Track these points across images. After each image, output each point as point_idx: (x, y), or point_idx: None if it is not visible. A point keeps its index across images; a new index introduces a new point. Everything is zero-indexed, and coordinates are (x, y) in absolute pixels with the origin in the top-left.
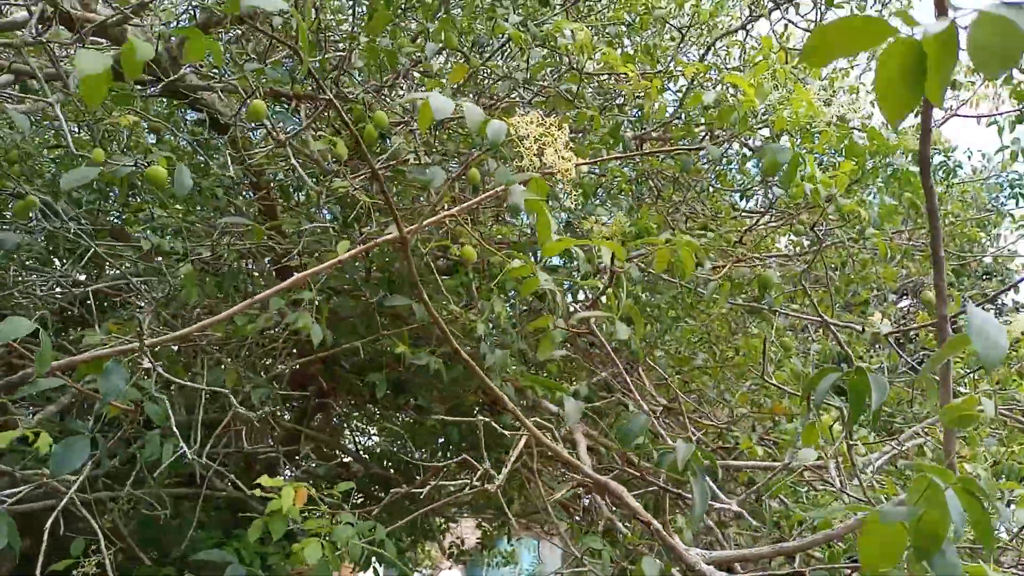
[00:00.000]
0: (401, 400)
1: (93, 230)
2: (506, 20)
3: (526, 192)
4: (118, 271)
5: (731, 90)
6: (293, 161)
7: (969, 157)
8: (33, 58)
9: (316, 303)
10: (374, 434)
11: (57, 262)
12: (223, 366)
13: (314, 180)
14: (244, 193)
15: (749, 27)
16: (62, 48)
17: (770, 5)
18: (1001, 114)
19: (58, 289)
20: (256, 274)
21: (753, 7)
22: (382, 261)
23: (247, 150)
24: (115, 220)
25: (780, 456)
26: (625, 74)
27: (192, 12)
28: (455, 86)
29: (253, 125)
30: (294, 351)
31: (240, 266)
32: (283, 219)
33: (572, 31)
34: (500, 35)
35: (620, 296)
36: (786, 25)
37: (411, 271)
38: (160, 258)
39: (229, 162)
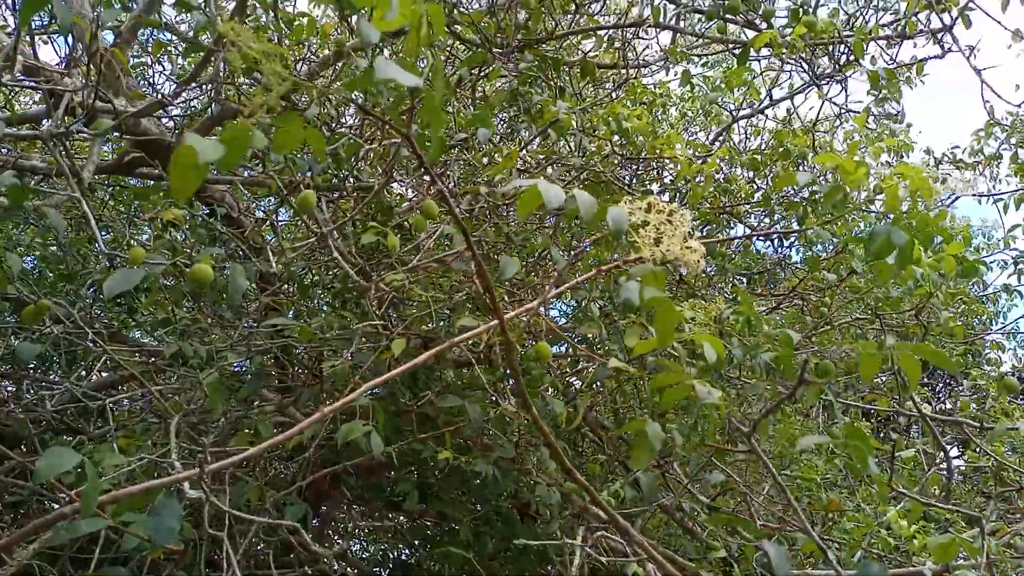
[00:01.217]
0: (424, 506)
1: (94, 334)
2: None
3: (646, 287)
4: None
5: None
6: (336, 254)
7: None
8: (35, 152)
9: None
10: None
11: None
12: (247, 481)
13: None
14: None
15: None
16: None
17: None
18: (1007, 193)
19: (63, 399)
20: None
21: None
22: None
23: (256, 245)
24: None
25: (849, 561)
26: (674, 157)
27: (210, 103)
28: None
29: (266, 220)
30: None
31: (261, 371)
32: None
33: (628, 115)
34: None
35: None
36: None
37: (515, 370)
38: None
39: (272, 257)
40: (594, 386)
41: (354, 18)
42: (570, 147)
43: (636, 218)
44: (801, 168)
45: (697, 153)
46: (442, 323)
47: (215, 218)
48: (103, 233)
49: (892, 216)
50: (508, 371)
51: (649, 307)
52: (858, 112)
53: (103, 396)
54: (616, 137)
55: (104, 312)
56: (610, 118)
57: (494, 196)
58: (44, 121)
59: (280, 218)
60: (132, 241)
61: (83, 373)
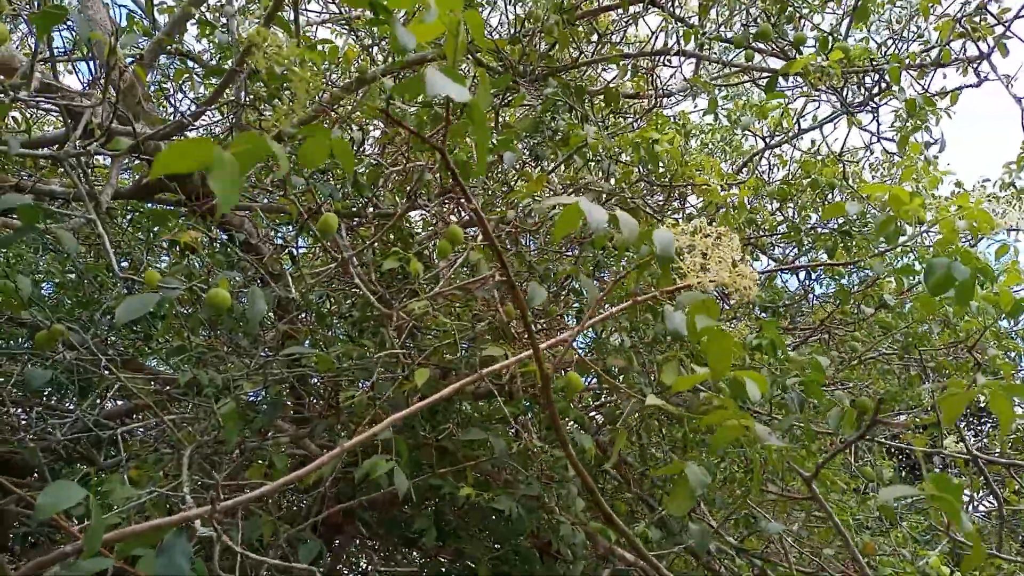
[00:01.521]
0: (442, 543)
1: (108, 361)
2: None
3: (698, 316)
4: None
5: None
6: (357, 280)
7: None
8: (55, 178)
9: (393, 443)
10: None
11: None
12: (260, 515)
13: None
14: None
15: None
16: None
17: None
18: None
19: (71, 426)
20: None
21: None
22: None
23: (274, 272)
24: (125, 350)
25: None
26: (705, 184)
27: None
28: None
29: (284, 246)
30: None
31: (278, 400)
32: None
33: (660, 139)
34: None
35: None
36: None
37: (551, 404)
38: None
39: (292, 282)
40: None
41: (376, 47)
42: (595, 174)
43: (682, 242)
44: (828, 199)
45: (725, 182)
46: (462, 354)
47: (234, 244)
48: (121, 260)
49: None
50: (541, 405)
51: (699, 338)
52: (892, 140)
53: (116, 425)
54: (642, 163)
55: (120, 339)
56: (639, 142)
57: (523, 222)
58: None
59: (300, 246)
60: (151, 267)
61: (97, 401)
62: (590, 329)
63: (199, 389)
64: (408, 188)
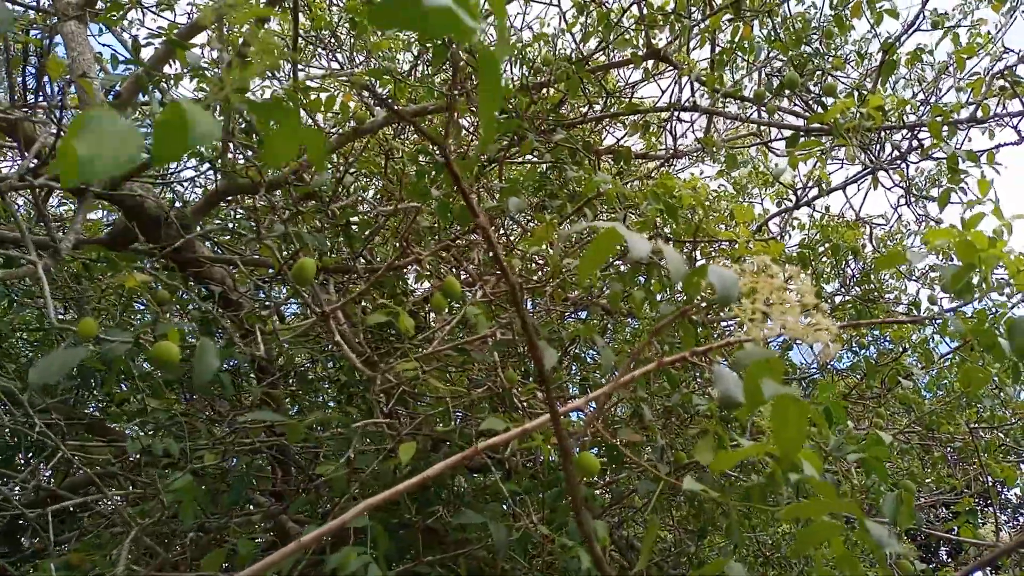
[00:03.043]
0: None
1: (67, 423)
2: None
3: (763, 379)
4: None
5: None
6: (338, 338)
7: None
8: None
9: (369, 529)
10: None
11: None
12: None
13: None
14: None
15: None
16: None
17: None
18: None
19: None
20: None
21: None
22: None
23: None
24: (95, 411)
25: None
26: (731, 240)
27: (214, 179)
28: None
29: (268, 303)
30: None
31: (247, 474)
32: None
33: (683, 186)
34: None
35: None
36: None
37: (573, 488)
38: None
39: (261, 340)
40: (628, 501)
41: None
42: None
43: (741, 284)
44: (848, 265)
45: (752, 240)
46: (456, 424)
47: (212, 299)
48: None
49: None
50: (565, 485)
51: (758, 405)
52: (931, 199)
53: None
54: (661, 215)
55: (89, 399)
56: (659, 192)
57: (528, 278)
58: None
59: (291, 304)
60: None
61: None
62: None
63: (154, 460)
64: (400, 235)
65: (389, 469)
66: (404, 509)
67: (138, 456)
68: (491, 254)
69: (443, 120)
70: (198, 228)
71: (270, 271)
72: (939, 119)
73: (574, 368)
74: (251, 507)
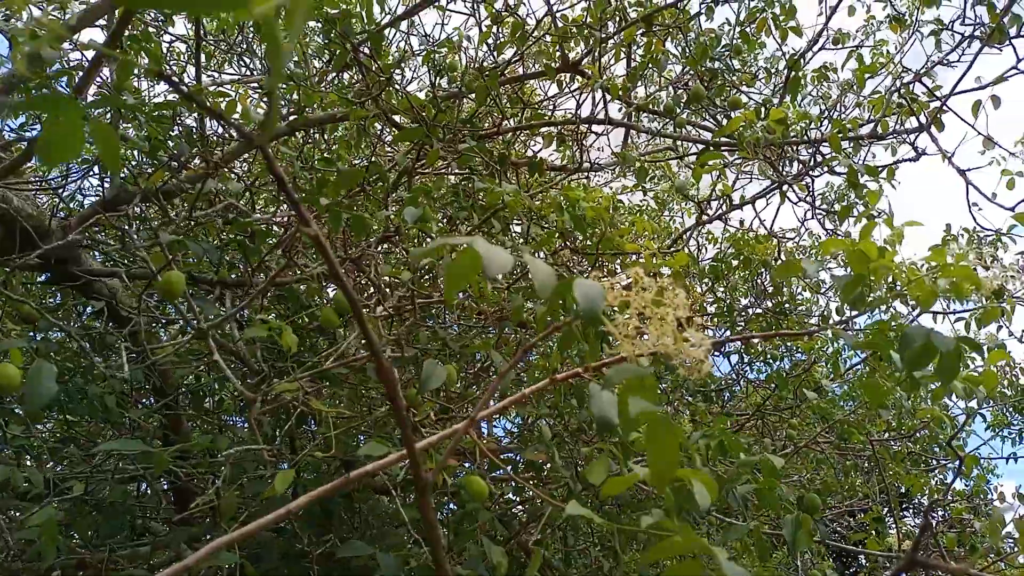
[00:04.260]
0: None
1: None
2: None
3: (632, 398)
4: None
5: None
6: (216, 356)
7: None
8: None
9: (239, 565)
10: None
11: None
12: None
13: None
14: (142, 401)
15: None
16: None
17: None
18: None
19: None
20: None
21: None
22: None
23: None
24: None
25: None
26: (637, 252)
27: (101, 188)
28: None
29: (162, 318)
30: None
31: (126, 502)
32: (192, 435)
33: (586, 197)
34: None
35: None
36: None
37: (429, 517)
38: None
39: (125, 360)
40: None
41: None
42: (514, 239)
43: (611, 298)
44: (760, 279)
45: (659, 251)
46: (355, 445)
47: (101, 316)
48: None
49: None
50: (425, 524)
51: (633, 427)
52: (830, 211)
53: None
54: (566, 228)
55: None
56: (563, 200)
57: (421, 287)
58: None
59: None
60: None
61: None
62: (516, 416)
63: (22, 492)
64: (282, 245)
65: (264, 496)
66: (300, 536)
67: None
68: (328, 267)
69: (350, 127)
70: (81, 239)
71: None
72: (839, 133)
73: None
74: (147, 536)
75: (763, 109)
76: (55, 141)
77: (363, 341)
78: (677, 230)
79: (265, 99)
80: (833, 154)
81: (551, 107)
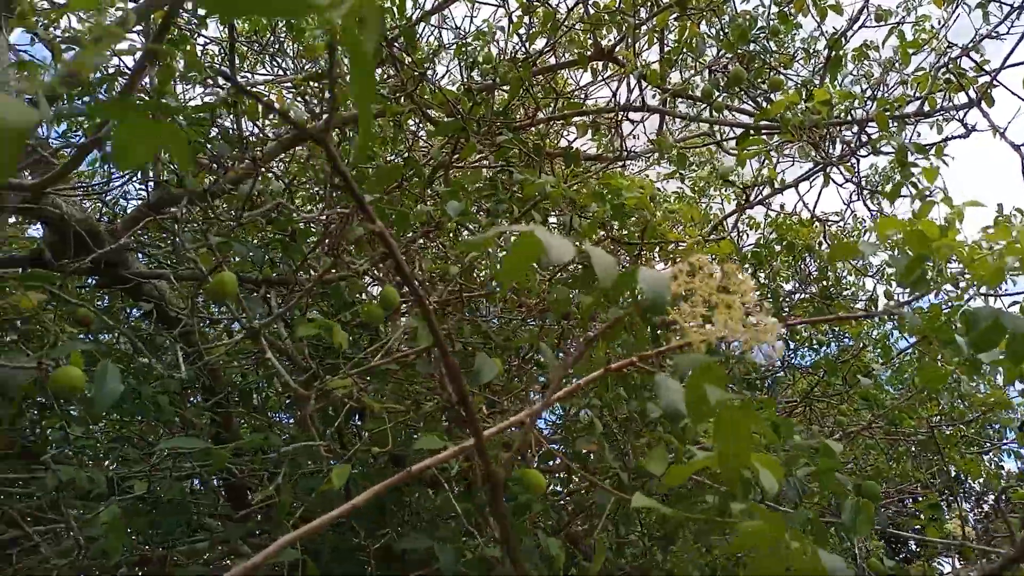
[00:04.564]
0: None
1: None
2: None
3: (707, 387)
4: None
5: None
6: (269, 355)
7: None
8: None
9: (302, 562)
10: None
11: None
12: None
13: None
14: (191, 400)
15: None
16: None
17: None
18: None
19: None
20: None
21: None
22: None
23: (203, 345)
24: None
25: None
26: (679, 241)
27: (145, 192)
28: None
29: (208, 318)
30: None
31: (184, 500)
32: (241, 432)
33: (628, 186)
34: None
35: None
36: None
37: (501, 514)
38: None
39: (181, 359)
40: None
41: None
42: (555, 232)
43: (675, 287)
44: (805, 263)
45: (702, 238)
46: (413, 438)
47: (151, 318)
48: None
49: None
50: (494, 517)
51: (705, 416)
52: (875, 192)
53: None
54: (607, 218)
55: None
56: (604, 192)
57: (470, 281)
58: None
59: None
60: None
61: None
62: (556, 407)
63: (85, 492)
64: (328, 242)
65: (319, 492)
66: (354, 533)
67: (56, 490)
68: (392, 261)
69: (384, 124)
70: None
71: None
72: (885, 111)
73: (537, 374)
74: (201, 533)
75: (805, 90)
76: (130, 145)
77: (406, 335)
78: (716, 216)
79: (299, 99)
80: (880, 133)
81: (583, 96)
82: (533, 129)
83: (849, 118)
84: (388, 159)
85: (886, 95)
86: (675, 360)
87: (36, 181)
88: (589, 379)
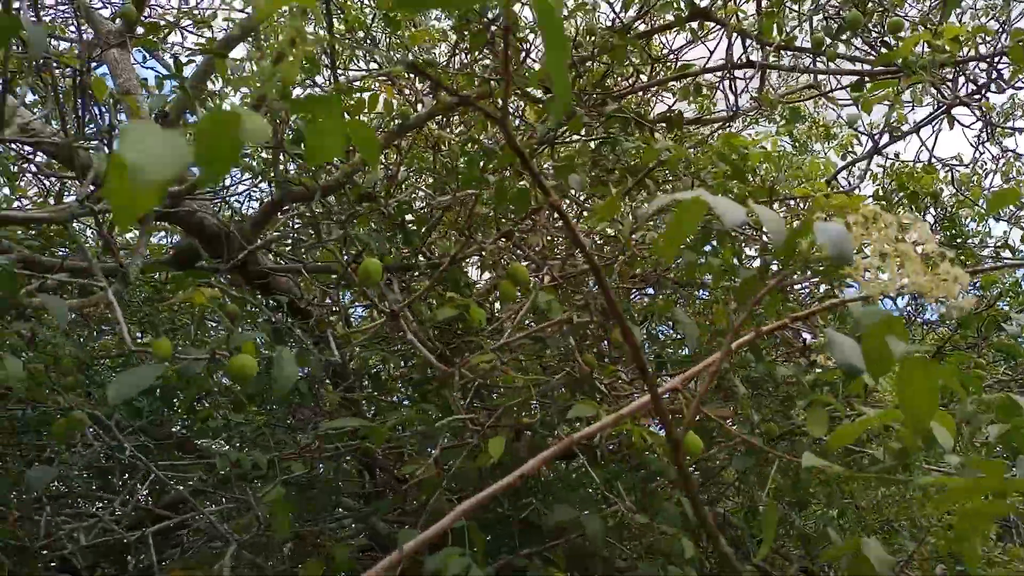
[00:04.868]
0: None
1: (155, 444)
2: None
3: (889, 339)
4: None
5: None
6: (411, 336)
7: None
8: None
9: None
10: None
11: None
12: None
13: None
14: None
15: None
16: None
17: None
18: None
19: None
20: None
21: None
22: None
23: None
24: (182, 430)
25: None
26: (807, 196)
27: (269, 191)
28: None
29: (333, 307)
30: None
31: (335, 479)
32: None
33: (752, 142)
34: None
35: None
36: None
37: (686, 478)
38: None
39: (334, 346)
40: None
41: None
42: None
43: (861, 238)
44: (930, 211)
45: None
46: (540, 412)
47: (282, 310)
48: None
49: None
50: (675, 477)
51: (885, 370)
52: (1014, 131)
53: (171, 516)
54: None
55: (174, 419)
56: (726, 152)
57: (622, 233)
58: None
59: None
60: (205, 342)
61: (130, 494)
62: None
63: (243, 474)
64: (461, 225)
65: (475, 465)
66: (496, 504)
67: (227, 471)
68: (569, 234)
69: (490, 105)
70: (259, 240)
71: (334, 276)
72: (1021, 43)
73: (648, 346)
74: (340, 511)
75: (929, 28)
76: (321, 142)
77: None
78: (833, 166)
79: (402, 90)
80: (1015, 67)
81: (676, 59)
82: (631, 97)
83: (976, 54)
84: (487, 141)
85: (1013, 26)
86: (855, 313)
87: (178, 188)
88: (740, 343)
